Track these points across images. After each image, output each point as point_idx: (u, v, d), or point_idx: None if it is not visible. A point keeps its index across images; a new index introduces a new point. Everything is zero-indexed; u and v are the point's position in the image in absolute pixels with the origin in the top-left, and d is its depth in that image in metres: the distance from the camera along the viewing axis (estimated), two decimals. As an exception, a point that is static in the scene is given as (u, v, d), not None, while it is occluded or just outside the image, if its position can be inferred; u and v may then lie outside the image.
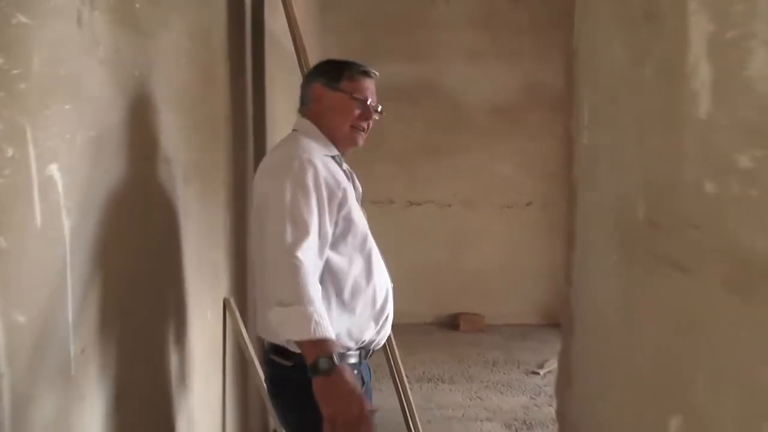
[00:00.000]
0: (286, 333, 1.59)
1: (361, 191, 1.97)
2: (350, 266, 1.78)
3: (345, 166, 1.93)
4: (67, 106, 1.29)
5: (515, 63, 5.65)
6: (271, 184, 1.71)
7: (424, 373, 4.54)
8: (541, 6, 5.60)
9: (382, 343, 1.96)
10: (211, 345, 2.41)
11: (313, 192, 1.67)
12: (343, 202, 1.75)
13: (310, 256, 1.61)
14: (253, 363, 2.54)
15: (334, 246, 1.75)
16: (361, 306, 1.81)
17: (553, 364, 4.68)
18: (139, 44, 1.66)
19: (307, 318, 1.52)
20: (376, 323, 1.86)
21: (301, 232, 1.61)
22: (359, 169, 2.13)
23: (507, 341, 5.35)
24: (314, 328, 1.51)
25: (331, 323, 1.59)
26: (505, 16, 5.65)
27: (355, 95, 1.88)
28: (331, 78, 1.90)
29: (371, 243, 1.88)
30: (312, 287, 1.57)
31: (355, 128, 1.90)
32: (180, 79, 1.98)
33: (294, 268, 1.56)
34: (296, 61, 3.17)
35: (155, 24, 1.78)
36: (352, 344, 1.80)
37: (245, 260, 2.74)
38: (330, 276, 1.74)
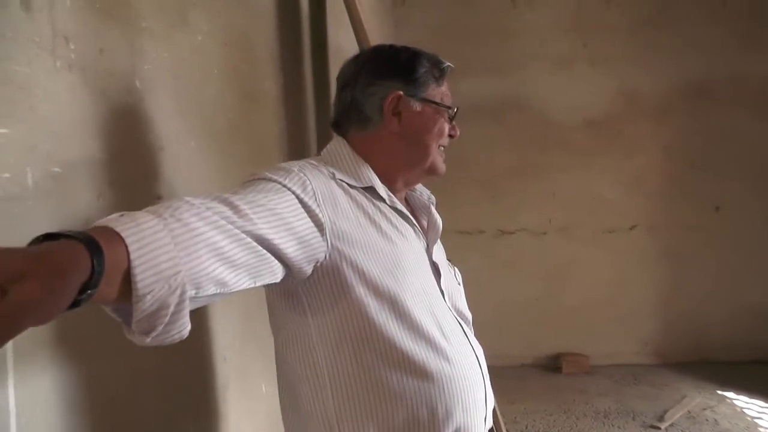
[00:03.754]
0: None
1: (439, 229, 1.38)
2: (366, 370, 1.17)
3: (400, 204, 1.32)
4: (3, 130, 0.85)
5: (610, 69, 5.03)
6: None
7: (527, 427, 3.94)
8: (637, 3, 5.00)
9: None
10: (271, 426, 1.94)
11: (284, 180, 1.07)
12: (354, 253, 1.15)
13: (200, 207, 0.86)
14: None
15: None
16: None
17: (674, 416, 4.02)
18: (139, 45, 1.22)
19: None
20: None
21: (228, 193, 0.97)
22: (441, 197, 1.55)
23: (617, 386, 4.70)
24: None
25: None
26: (597, 17, 5.05)
27: (444, 101, 1.34)
28: (411, 80, 1.31)
29: (431, 327, 1.21)
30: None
31: (440, 149, 1.37)
32: (210, 94, 1.54)
33: None
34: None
35: (166, 21, 1.34)
36: None
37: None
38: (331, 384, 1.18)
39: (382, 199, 1.26)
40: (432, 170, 1.34)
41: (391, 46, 1.36)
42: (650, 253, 5.10)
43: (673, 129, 5.03)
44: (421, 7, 5.15)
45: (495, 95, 5.03)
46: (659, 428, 3.87)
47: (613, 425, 3.97)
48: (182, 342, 1.31)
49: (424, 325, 1.19)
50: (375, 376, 1.15)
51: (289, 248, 1.00)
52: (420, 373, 1.16)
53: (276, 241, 0.96)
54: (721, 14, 4.89)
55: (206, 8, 1.53)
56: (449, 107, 1.33)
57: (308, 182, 1.10)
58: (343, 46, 2.96)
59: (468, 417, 1.22)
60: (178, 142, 1.36)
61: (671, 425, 3.91)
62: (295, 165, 1.14)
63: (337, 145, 1.32)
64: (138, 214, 0.74)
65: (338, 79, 1.37)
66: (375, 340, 1.15)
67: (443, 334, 1.22)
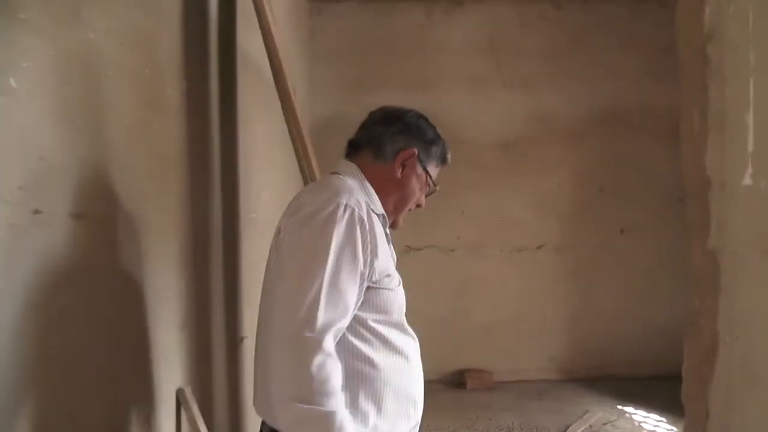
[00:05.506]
0: None
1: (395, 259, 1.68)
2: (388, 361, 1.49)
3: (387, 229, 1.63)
4: None
5: (524, 92, 5.13)
6: (305, 235, 1.36)
7: (430, 444, 3.91)
8: (552, 28, 5.12)
9: None
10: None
11: (360, 256, 1.37)
12: (381, 275, 1.45)
13: (333, 343, 1.33)
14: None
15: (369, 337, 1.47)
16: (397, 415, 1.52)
17: (576, 431, 4.09)
18: (16, 39, 1.08)
19: (331, 424, 1.25)
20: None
21: (338, 313, 1.32)
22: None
23: (520, 401, 4.75)
24: None
25: None
26: (512, 40, 5.13)
27: (434, 181, 1.64)
28: (427, 150, 1.62)
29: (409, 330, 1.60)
30: (338, 384, 1.30)
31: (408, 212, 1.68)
32: (103, 98, 1.40)
33: (320, 361, 1.27)
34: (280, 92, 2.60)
35: (52, 14, 1.20)
36: None
37: (209, 335, 2.14)
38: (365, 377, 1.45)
39: (385, 225, 1.57)
40: (393, 224, 1.64)
41: (428, 120, 1.65)
42: (558, 272, 5.21)
43: (584, 153, 5.16)
44: (338, 19, 5.07)
45: (408, 110, 5.00)
46: (561, 444, 3.92)
47: (516, 441, 4.00)
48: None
49: (405, 322, 1.55)
50: (373, 355, 1.44)
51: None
52: (403, 355, 1.51)
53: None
54: (632, 45, 5.07)
55: (102, 3, 1.40)
56: (435, 185, 1.65)
57: (366, 231, 1.38)
58: (253, 55, 2.84)
59: (420, 396, 1.59)
60: (63, 150, 1.23)
61: (573, 441, 3.97)
62: (346, 203, 1.38)
63: (354, 169, 1.58)
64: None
65: (375, 114, 1.66)
66: (380, 331, 1.46)
67: (410, 330, 1.59)
